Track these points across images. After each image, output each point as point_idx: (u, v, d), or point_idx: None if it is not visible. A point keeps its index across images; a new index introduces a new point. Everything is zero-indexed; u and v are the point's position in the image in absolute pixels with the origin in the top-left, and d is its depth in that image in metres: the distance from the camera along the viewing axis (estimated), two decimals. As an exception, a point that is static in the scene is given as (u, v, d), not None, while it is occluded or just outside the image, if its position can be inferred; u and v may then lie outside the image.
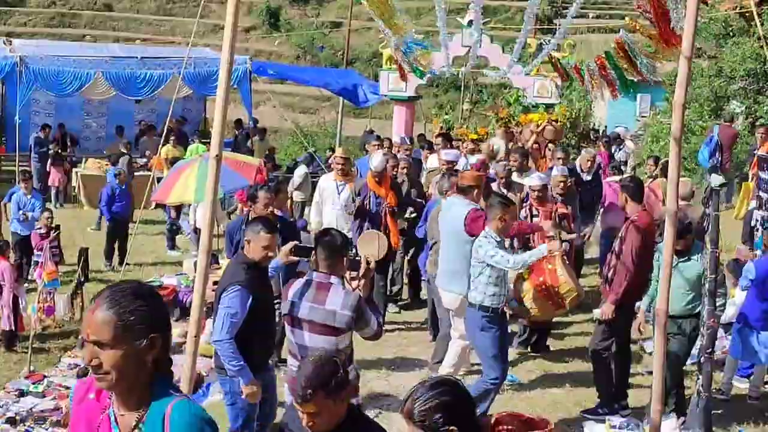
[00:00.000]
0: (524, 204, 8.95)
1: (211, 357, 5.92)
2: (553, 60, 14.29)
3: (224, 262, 8.57)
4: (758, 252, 9.15)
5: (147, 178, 15.32)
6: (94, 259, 12.16)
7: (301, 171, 15.98)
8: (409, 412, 2.86)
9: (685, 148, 12.83)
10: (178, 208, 14.15)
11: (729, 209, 14.10)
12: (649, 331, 7.16)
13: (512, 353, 8.50)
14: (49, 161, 18.19)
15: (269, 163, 15.18)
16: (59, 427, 6.97)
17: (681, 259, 6.59)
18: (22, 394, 7.64)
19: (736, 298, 8.02)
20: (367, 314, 4.90)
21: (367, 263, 4.99)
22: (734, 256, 9.05)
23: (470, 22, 13.85)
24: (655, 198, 10.25)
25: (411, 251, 10.36)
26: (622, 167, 14.91)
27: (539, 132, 11.70)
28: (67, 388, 7.53)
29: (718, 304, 6.64)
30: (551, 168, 10.16)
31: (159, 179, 13.53)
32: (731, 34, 19.50)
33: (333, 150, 20.08)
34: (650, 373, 5.96)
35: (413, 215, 9.92)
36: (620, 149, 18.90)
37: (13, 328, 9.27)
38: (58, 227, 11.81)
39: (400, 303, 10.51)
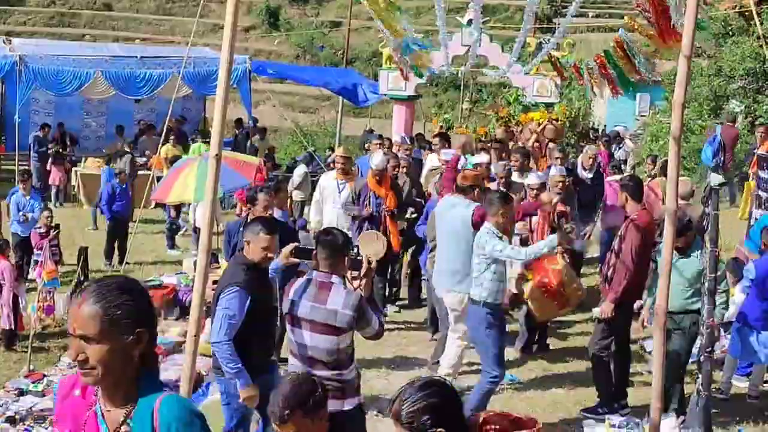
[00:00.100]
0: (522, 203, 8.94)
1: (210, 356, 5.92)
2: (553, 59, 14.29)
3: (224, 261, 8.57)
4: (745, 249, 9.12)
5: (147, 177, 15.34)
6: (93, 258, 12.16)
7: (300, 170, 15.98)
8: (397, 413, 2.84)
9: (684, 148, 12.85)
10: (178, 208, 14.16)
11: (734, 208, 14.13)
12: (650, 329, 7.16)
13: (512, 353, 8.51)
14: (50, 160, 18.20)
15: (269, 162, 15.18)
16: (59, 426, 6.96)
17: (681, 256, 6.61)
18: (21, 393, 7.64)
19: (736, 297, 8.02)
20: (369, 314, 4.89)
21: (369, 263, 4.98)
22: (733, 256, 9.05)
23: (470, 21, 13.84)
24: (654, 197, 10.25)
25: (411, 251, 10.36)
26: (622, 166, 14.90)
27: (540, 131, 11.69)
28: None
29: (720, 301, 6.65)
30: (550, 167, 10.16)
31: (159, 178, 13.53)
32: (731, 33, 19.52)
33: (333, 149, 20.11)
34: (650, 372, 5.98)
35: (413, 215, 9.92)
36: (620, 148, 18.91)
37: (13, 327, 9.28)
38: (57, 226, 11.81)
39: (399, 303, 10.51)
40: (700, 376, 6.28)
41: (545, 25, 32.10)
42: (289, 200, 12.64)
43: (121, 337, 2.47)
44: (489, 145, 11.89)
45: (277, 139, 26.18)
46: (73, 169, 18.65)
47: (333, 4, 42.92)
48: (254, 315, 5.18)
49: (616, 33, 10.95)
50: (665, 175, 7.30)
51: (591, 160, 10.84)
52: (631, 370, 7.47)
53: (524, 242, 8.33)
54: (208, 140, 5.21)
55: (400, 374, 8.01)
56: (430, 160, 12.14)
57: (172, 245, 14.08)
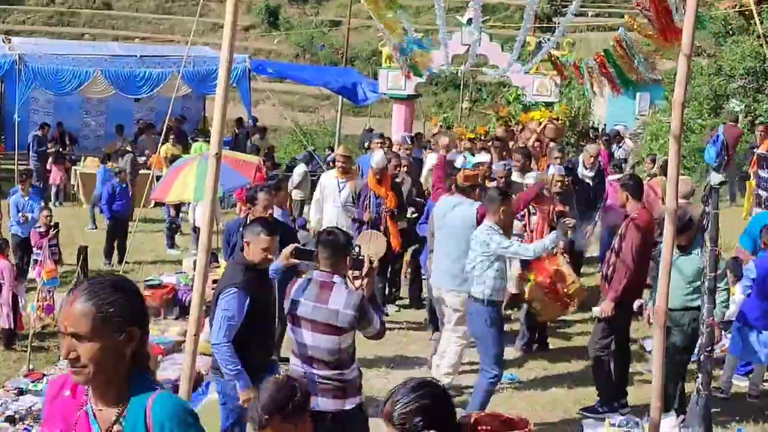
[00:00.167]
0: None
1: (210, 355, 5.91)
2: (553, 58, 14.29)
3: (223, 261, 8.56)
4: (739, 247, 9.11)
5: (146, 176, 15.34)
6: (93, 257, 12.15)
7: (300, 169, 15.99)
8: (389, 414, 2.83)
9: (684, 147, 12.85)
10: (178, 207, 14.15)
11: (735, 207, 14.12)
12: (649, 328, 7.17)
13: (512, 352, 8.51)
14: (50, 159, 18.19)
15: (268, 161, 15.17)
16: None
17: (681, 254, 6.62)
18: (21, 392, 7.63)
19: (736, 296, 8.02)
20: (370, 313, 4.88)
21: (370, 262, 4.98)
22: (734, 254, 9.04)
23: (470, 21, 13.84)
24: (654, 195, 10.24)
25: (411, 250, 10.35)
26: (623, 165, 14.89)
27: (541, 130, 11.68)
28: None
29: (721, 299, 6.64)
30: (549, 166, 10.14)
31: (158, 178, 13.53)
32: (731, 32, 19.52)
33: (332, 148, 20.11)
34: (650, 371, 5.97)
35: (414, 215, 9.92)
36: (620, 147, 18.90)
37: (13, 326, 9.27)
38: (57, 225, 11.80)
39: (399, 302, 10.51)
40: (700, 375, 6.28)
41: (545, 24, 32.08)
42: (288, 199, 12.63)
43: (113, 335, 2.46)
44: (489, 144, 11.88)
45: (276, 139, 26.18)
46: (73, 168, 18.65)
47: (332, 3, 42.92)
48: (253, 316, 5.17)
49: (615, 32, 10.95)
50: (665, 175, 7.30)
51: (592, 159, 10.83)
52: (631, 370, 7.46)
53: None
54: (209, 140, 5.19)
55: (400, 373, 8.00)
56: (430, 160, 12.12)
57: (172, 244, 14.08)
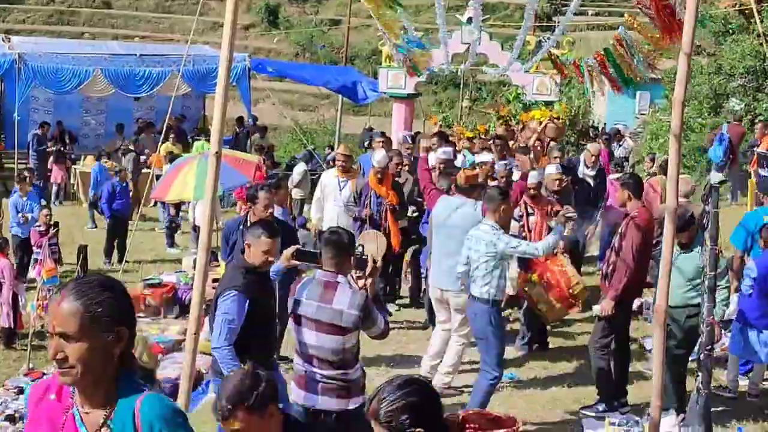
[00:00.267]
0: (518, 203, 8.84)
1: (210, 354, 5.90)
2: (553, 57, 14.27)
3: (222, 260, 8.53)
4: (731, 246, 9.08)
5: (146, 175, 15.34)
6: (93, 256, 12.16)
7: (300, 168, 15.99)
8: (375, 412, 2.79)
9: (684, 146, 12.83)
10: (177, 206, 14.15)
11: (735, 206, 14.12)
12: (649, 326, 7.17)
13: (513, 351, 8.51)
14: (51, 158, 18.20)
15: (268, 160, 15.18)
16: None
17: (682, 251, 6.62)
18: (21, 391, 7.63)
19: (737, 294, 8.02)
20: (374, 313, 4.87)
21: (374, 262, 4.97)
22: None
23: (469, 20, 13.81)
24: (653, 193, 10.23)
25: (411, 250, 10.34)
26: (624, 164, 14.88)
27: (541, 130, 11.67)
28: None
29: (721, 298, 6.64)
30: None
31: (158, 177, 13.53)
32: (731, 31, 19.52)
33: (332, 147, 20.10)
34: (650, 370, 5.98)
35: (415, 214, 9.91)
36: (620, 145, 18.90)
37: (13, 325, 9.28)
38: (57, 224, 11.81)
39: (399, 301, 10.50)
40: (700, 374, 6.28)
41: (545, 23, 32.07)
42: (288, 198, 12.64)
43: (101, 334, 2.43)
44: (490, 143, 11.87)
45: (276, 137, 26.17)
46: (73, 167, 18.65)
47: (332, 2, 42.88)
48: (254, 318, 5.12)
49: (615, 31, 10.94)
50: (665, 174, 7.30)
51: (593, 157, 10.83)
52: (631, 368, 7.46)
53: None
54: (210, 138, 5.17)
55: (399, 372, 8.00)
56: (430, 159, 12.12)
57: (172, 243, 14.08)
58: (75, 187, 18.46)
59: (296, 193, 14.93)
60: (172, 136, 17.41)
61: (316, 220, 10.04)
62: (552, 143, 11.21)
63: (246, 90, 20.56)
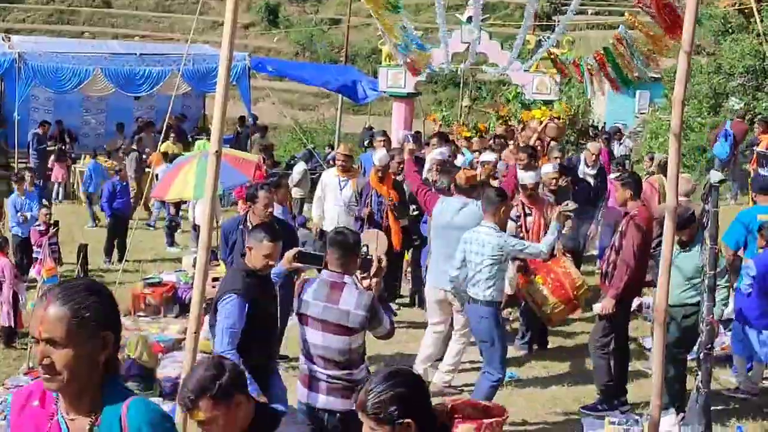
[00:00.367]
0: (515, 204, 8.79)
1: (210, 353, 5.90)
2: (552, 56, 14.28)
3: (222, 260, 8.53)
4: (721, 244, 9.06)
5: (146, 174, 15.33)
6: (93, 255, 12.16)
7: (300, 168, 16.00)
8: (362, 404, 2.76)
9: (684, 145, 12.85)
10: (177, 205, 14.16)
11: (736, 205, 14.12)
12: (648, 325, 7.17)
13: (512, 350, 8.51)
14: (52, 157, 18.21)
15: (268, 159, 15.17)
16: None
17: (682, 250, 6.62)
18: (21, 390, 7.64)
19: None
20: (381, 314, 4.86)
21: (379, 261, 4.97)
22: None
23: (469, 19, 13.84)
24: (651, 192, 10.21)
25: (412, 249, 10.33)
26: (626, 162, 14.86)
27: (542, 129, 11.67)
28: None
29: (720, 297, 6.65)
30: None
31: (157, 176, 13.54)
32: (730, 30, 19.53)
33: (332, 147, 20.11)
34: (650, 369, 5.98)
35: (416, 213, 9.90)
36: (621, 144, 18.89)
37: (13, 324, 9.28)
38: (57, 223, 11.81)
39: (399, 300, 10.50)
40: (699, 373, 6.29)
41: (545, 23, 32.08)
42: (289, 197, 12.64)
43: (88, 340, 2.39)
44: (490, 142, 11.88)
45: (276, 137, 26.18)
46: (73, 166, 18.65)
47: (332, 1, 42.91)
48: (254, 321, 5.09)
49: (615, 30, 10.95)
50: (664, 173, 7.29)
51: (594, 156, 10.81)
52: (630, 368, 7.47)
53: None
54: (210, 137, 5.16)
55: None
56: (430, 158, 12.12)
57: (172, 242, 14.09)
58: (75, 187, 18.47)
59: (296, 193, 14.92)
60: (172, 135, 17.42)
61: (316, 219, 10.04)
62: (552, 143, 11.20)
63: (246, 89, 20.57)
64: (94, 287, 2.48)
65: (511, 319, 9.44)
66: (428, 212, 8.08)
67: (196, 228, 12.32)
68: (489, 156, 9.93)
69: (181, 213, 14.69)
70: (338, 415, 4.84)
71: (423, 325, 9.45)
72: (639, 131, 24.48)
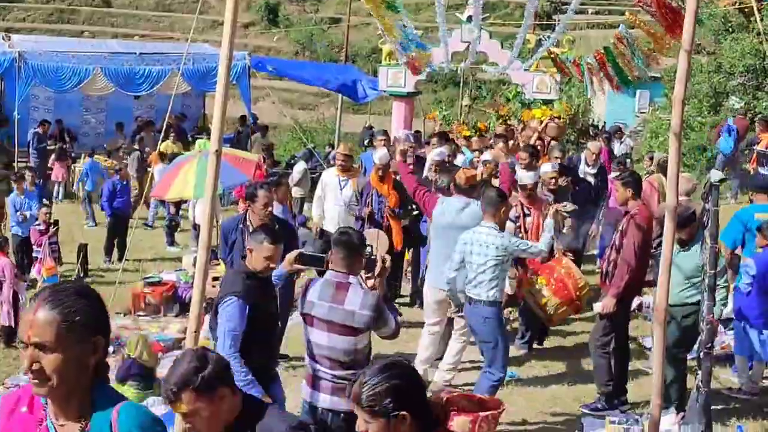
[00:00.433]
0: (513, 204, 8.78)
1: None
2: (553, 56, 14.28)
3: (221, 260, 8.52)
4: (721, 244, 9.04)
5: (148, 174, 15.33)
6: (93, 255, 12.16)
7: (300, 167, 16.00)
8: (357, 397, 2.74)
9: (684, 144, 12.83)
10: (177, 204, 14.16)
11: (737, 204, 14.12)
12: (648, 325, 7.16)
13: (512, 350, 8.50)
14: (53, 156, 18.22)
15: (269, 159, 15.18)
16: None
17: (681, 249, 6.62)
18: (21, 390, 7.64)
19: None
20: (386, 314, 4.85)
21: (383, 261, 4.96)
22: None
23: (469, 18, 13.84)
24: (651, 190, 10.21)
25: (412, 249, 10.33)
26: (627, 160, 14.85)
27: (542, 129, 11.66)
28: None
29: (719, 297, 6.64)
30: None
31: (155, 176, 13.54)
32: (730, 29, 19.52)
33: (332, 146, 20.10)
34: (650, 368, 5.98)
35: (416, 213, 9.90)
36: (622, 143, 18.88)
37: (13, 324, 9.28)
38: (57, 223, 11.81)
39: (399, 300, 10.49)
40: (699, 372, 6.28)
41: (545, 22, 32.07)
42: (289, 196, 12.63)
43: (78, 344, 2.35)
44: (491, 141, 11.87)
45: (276, 136, 26.17)
46: (73, 165, 18.66)
47: (332, 0, 42.89)
48: (255, 324, 5.07)
49: (615, 29, 10.95)
50: (663, 172, 7.29)
51: (594, 156, 10.79)
52: (630, 367, 7.46)
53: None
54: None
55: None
56: (430, 157, 12.12)
57: (172, 242, 14.09)
58: (75, 186, 18.48)
59: (296, 192, 14.92)
60: (172, 134, 17.42)
61: (316, 218, 10.04)
62: (553, 142, 11.19)
63: (246, 88, 20.57)
64: (84, 291, 2.45)
65: (511, 319, 9.43)
66: (427, 213, 8.03)
67: (196, 227, 12.32)
68: (490, 155, 9.92)
69: (181, 212, 14.69)
70: (342, 415, 4.83)
71: (423, 325, 9.48)
72: (639, 130, 24.47)
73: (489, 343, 6.80)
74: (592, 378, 7.39)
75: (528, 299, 7.95)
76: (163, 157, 14.68)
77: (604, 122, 24.44)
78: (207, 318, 7.02)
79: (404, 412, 2.69)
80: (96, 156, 17.79)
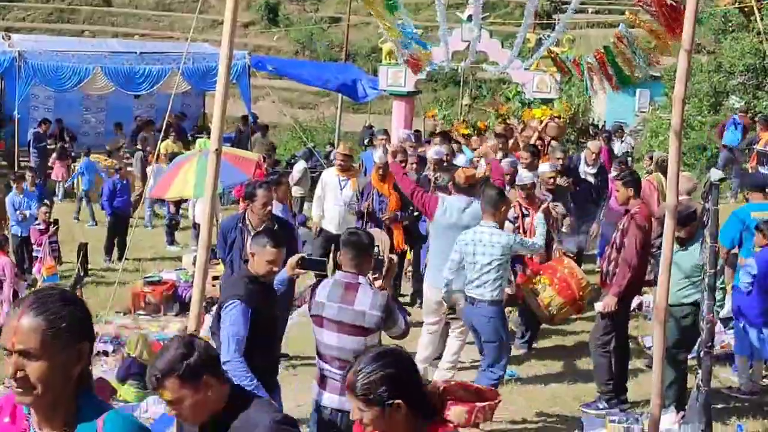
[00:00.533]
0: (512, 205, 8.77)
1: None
2: (553, 55, 14.27)
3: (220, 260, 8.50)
4: (719, 243, 9.03)
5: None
6: (93, 254, 12.15)
7: (300, 166, 16.00)
8: (351, 385, 2.71)
9: (684, 143, 12.83)
10: (177, 203, 14.16)
11: (737, 204, 14.12)
12: (648, 324, 7.16)
13: (512, 349, 8.50)
14: (54, 155, 18.22)
15: (269, 158, 15.18)
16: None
17: (681, 248, 6.62)
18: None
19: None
20: (396, 313, 4.85)
21: (390, 261, 4.96)
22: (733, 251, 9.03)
23: (470, 17, 13.82)
24: (651, 190, 10.21)
25: (413, 249, 10.33)
26: (628, 159, 14.85)
27: (542, 129, 11.65)
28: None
29: (718, 297, 6.64)
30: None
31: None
32: (730, 29, 19.53)
33: (333, 145, 20.10)
34: (650, 366, 5.98)
35: (416, 213, 9.89)
36: (622, 141, 18.89)
37: (13, 323, 9.26)
38: (56, 222, 11.80)
39: (400, 299, 10.49)
40: (699, 371, 6.28)
41: (545, 21, 32.06)
42: (289, 195, 12.63)
43: (63, 351, 2.29)
44: (488, 139, 11.88)
45: (276, 135, 26.17)
46: (73, 164, 18.66)
47: (332, -1, 42.93)
48: (257, 328, 5.03)
49: (615, 29, 10.93)
50: (662, 172, 7.29)
51: (594, 155, 10.78)
52: (630, 366, 7.46)
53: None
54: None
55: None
56: (430, 156, 12.11)
57: (172, 241, 14.09)
58: (66, 183, 18.48)
59: (296, 191, 14.92)
60: (172, 134, 17.42)
61: (316, 218, 10.03)
62: (555, 143, 11.18)
63: (246, 88, 20.56)
64: (68, 296, 2.41)
65: (511, 318, 9.43)
66: (427, 215, 7.90)
67: (196, 226, 12.32)
68: (479, 152, 9.93)
69: (181, 211, 14.69)
70: (350, 413, 4.82)
71: (423, 324, 9.48)
72: (639, 130, 24.48)
73: (493, 343, 6.80)
74: (592, 377, 7.39)
75: (528, 299, 7.94)
76: (157, 158, 14.67)
77: (604, 121, 24.45)
78: (207, 317, 7.03)
79: (399, 401, 2.67)
80: (94, 155, 17.80)
